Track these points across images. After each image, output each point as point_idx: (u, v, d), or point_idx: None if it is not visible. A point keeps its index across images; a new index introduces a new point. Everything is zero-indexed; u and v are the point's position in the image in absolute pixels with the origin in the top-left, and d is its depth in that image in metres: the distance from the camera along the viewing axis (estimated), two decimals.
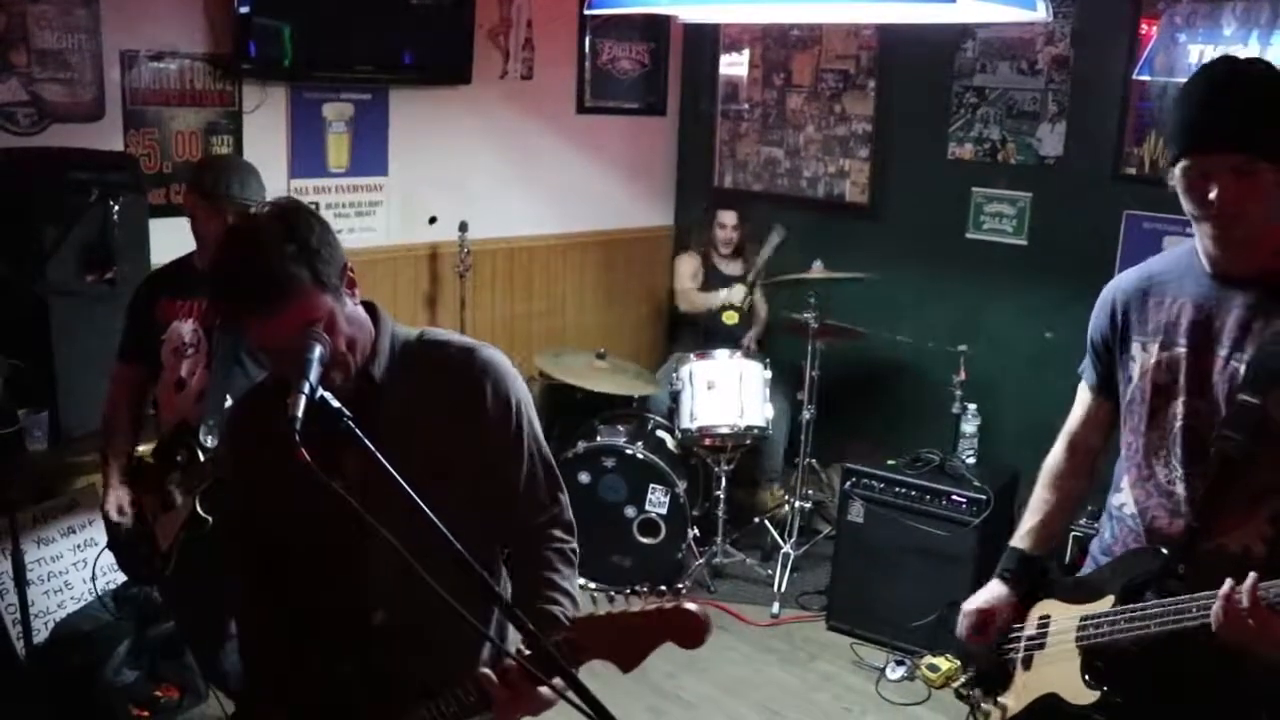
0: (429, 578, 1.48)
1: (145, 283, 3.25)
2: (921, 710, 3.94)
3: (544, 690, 1.72)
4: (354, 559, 1.87)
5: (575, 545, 2.06)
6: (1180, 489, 2.10)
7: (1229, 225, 1.95)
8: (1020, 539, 2.40)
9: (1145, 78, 4.53)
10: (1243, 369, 2.00)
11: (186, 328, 3.06)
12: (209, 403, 2.98)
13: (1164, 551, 2.09)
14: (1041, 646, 2.28)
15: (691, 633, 1.68)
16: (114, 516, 3.07)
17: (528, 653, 1.65)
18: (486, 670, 1.78)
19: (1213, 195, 1.91)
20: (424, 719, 1.84)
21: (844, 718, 3.89)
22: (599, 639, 1.71)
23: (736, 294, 5.40)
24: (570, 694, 1.53)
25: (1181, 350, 2.09)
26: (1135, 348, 2.18)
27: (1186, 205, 1.99)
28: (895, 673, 4.13)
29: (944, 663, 4.03)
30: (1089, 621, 2.15)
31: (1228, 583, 1.86)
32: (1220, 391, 2.04)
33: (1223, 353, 2.04)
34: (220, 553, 2.12)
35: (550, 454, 2.06)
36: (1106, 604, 2.14)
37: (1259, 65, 1.97)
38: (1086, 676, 2.14)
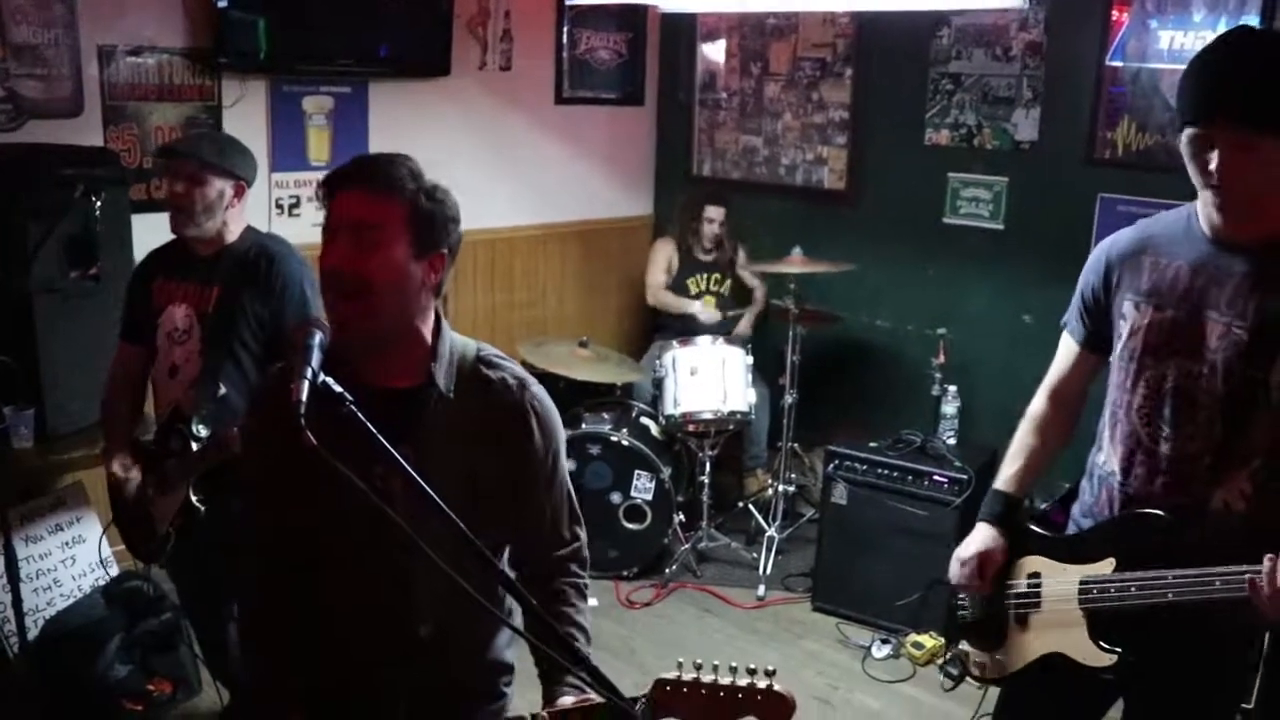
0: (469, 587, 1.52)
1: (143, 262, 3.24)
2: (907, 686, 4.00)
3: None
4: (400, 572, 1.88)
5: (587, 578, 2.11)
6: (1164, 448, 2.14)
7: (1231, 194, 1.99)
8: (1004, 483, 2.43)
9: (1118, 63, 4.58)
10: (1245, 336, 2.03)
11: (180, 312, 3.06)
12: (200, 391, 2.98)
13: (1163, 515, 2.12)
14: (1036, 605, 2.30)
15: (780, 715, 1.69)
16: (119, 473, 3.06)
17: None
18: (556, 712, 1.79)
19: (1213, 165, 1.95)
20: None
21: (831, 695, 3.94)
22: (681, 701, 1.71)
23: (711, 313, 5.43)
24: None
25: (1176, 312, 2.12)
26: (1127, 306, 2.20)
27: (1191, 172, 2.03)
28: (881, 651, 4.18)
29: (929, 640, 4.09)
30: (1092, 584, 2.18)
31: (1266, 560, 1.90)
32: (1218, 357, 2.07)
33: (1222, 318, 2.06)
34: (223, 547, 2.11)
35: (572, 491, 2.11)
36: (1107, 567, 2.17)
37: (1273, 38, 1.99)
38: (1100, 640, 2.17)
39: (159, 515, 2.98)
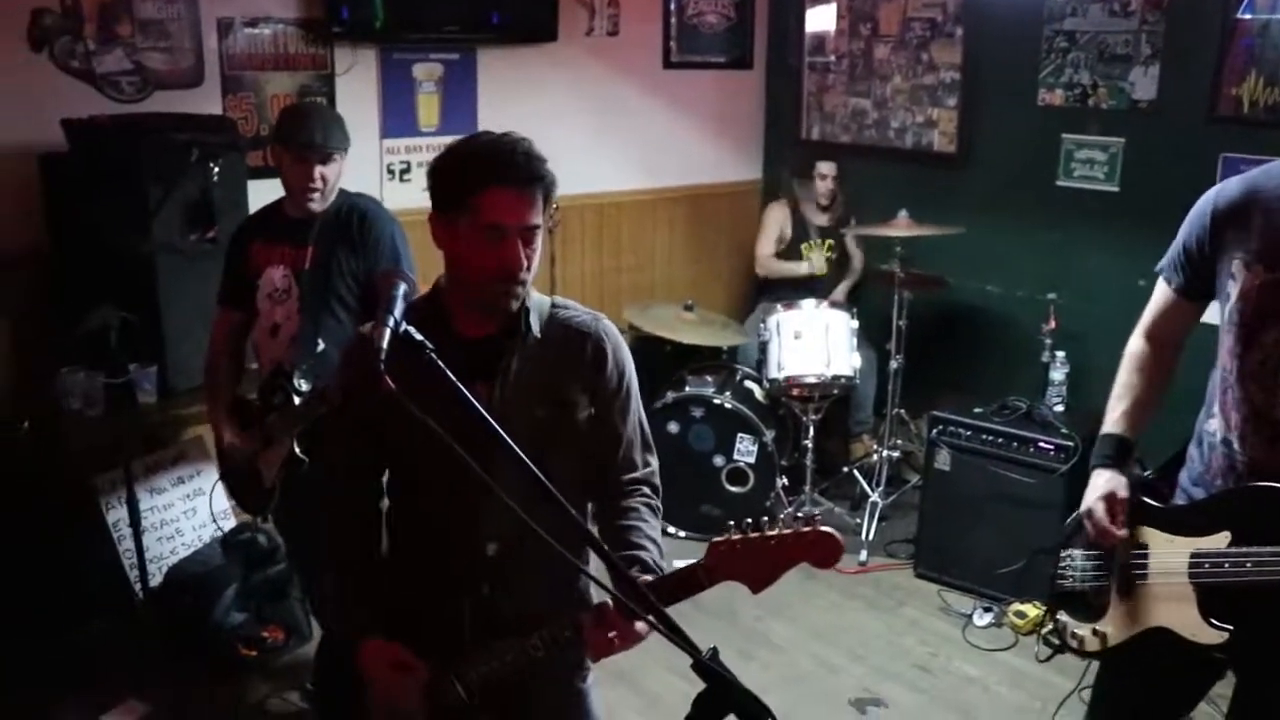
0: (522, 512, 1.59)
1: (240, 228, 3.37)
2: (1008, 655, 3.95)
3: (639, 626, 1.85)
4: (472, 490, 1.96)
5: (659, 502, 2.19)
6: None
7: None
8: (1112, 424, 2.34)
9: (1248, 16, 4.40)
10: None
11: (278, 274, 3.17)
12: (301, 347, 3.09)
13: (1278, 489, 2.04)
14: (1143, 577, 2.23)
15: (828, 553, 1.82)
16: (226, 437, 3.21)
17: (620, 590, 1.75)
18: (588, 613, 1.91)
19: None
20: (522, 649, 1.96)
21: (930, 662, 3.92)
22: (732, 562, 1.83)
23: (818, 263, 5.42)
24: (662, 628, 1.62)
25: None
26: (1236, 265, 2.11)
27: None
28: (982, 619, 4.14)
29: (1031, 609, 4.03)
30: (1204, 558, 2.11)
31: None
32: None
33: None
34: (324, 485, 2.21)
35: (646, 421, 2.22)
36: (1221, 541, 2.10)
37: None
38: (1211, 617, 2.10)
39: (265, 469, 3.11)
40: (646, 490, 2.16)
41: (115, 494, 3.90)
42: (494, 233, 1.91)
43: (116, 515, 3.88)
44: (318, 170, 3.07)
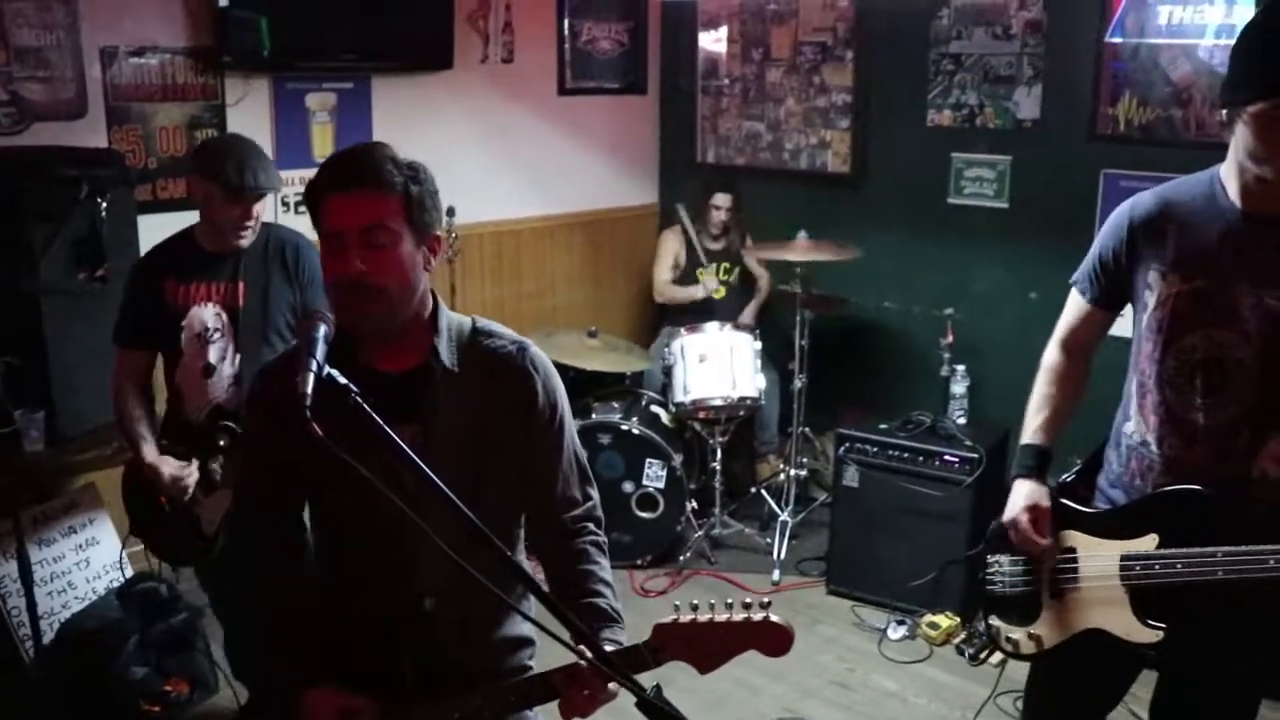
0: (471, 569, 1.54)
1: (145, 263, 3.24)
2: (924, 667, 4.00)
3: (611, 688, 1.78)
4: (404, 544, 1.90)
5: (605, 539, 2.14)
6: (1199, 418, 2.14)
7: None
8: (1031, 435, 2.40)
9: (1117, 39, 4.57)
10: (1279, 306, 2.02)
11: (208, 312, 3.07)
12: (243, 388, 3.00)
13: (1206, 491, 2.11)
14: (1074, 580, 2.28)
15: (779, 643, 1.76)
16: (171, 483, 3.02)
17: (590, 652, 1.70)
18: (562, 668, 1.82)
19: None
20: (469, 709, 1.89)
21: (848, 678, 3.94)
22: (678, 644, 1.77)
23: (711, 283, 5.45)
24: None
25: (1206, 283, 2.10)
26: (1153, 275, 2.18)
27: (1256, 148, 1.96)
28: (896, 632, 4.18)
29: (944, 620, 4.09)
30: (1135, 560, 2.17)
31: None
32: (1250, 326, 2.06)
33: (1255, 289, 2.05)
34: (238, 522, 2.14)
35: (582, 451, 2.14)
36: (1149, 543, 2.16)
37: None
38: (1146, 617, 2.16)
39: (207, 516, 2.99)
40: (592, 527, 2.10)
41: (2, 548, 3.71)
42: (335, 241, 1.85)
43: (3, 570, 3.70)
44: (255, 209, 2.99)
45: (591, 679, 1.76)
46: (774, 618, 1.76)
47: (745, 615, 1.74)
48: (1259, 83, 1.92)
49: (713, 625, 1.75)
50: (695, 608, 1.75)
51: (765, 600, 1.78)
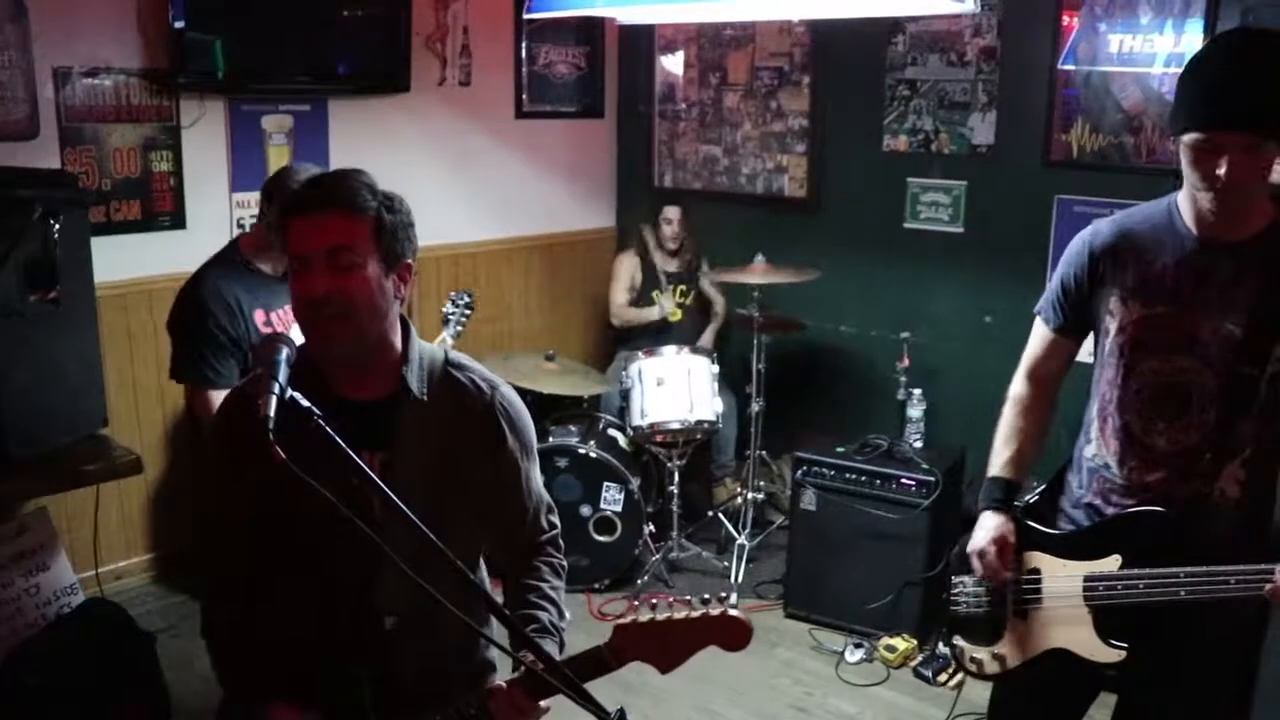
0: (425, 583, 1.55)
1: (218, 297, 3.28)
2: (881, 690, 4.01)
3: (543, 703, 1.82)
4: (365, 563, 1.90)
5: (564, 561, 2.19)
6: (1160, 442, 2.17)
7: (1231, 197, 2.02)
8: (1000, 468, 2.43)
9: (1069, 66, 4.65)
10: (1240, 333, 2.07)
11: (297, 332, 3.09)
12: None
13: (1168, 513, 2.15)
14: (1037, 601, 2.31)
15: (738, 637, 1.77)
16: None
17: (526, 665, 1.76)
18: (499, 684, 1.87)
19: (1222, 170, 1.97)
20: None
21: (806, 701, 3.95)
22: (639, 643, 1.79)
23: (668, 305, 5.47)
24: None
25: (1166, 309, 2.15)
26: (1114, 302, 2.22)
27: (1192, 175, 2.04)
28: (854, 655, 4.19)
29: (901, 643, 4.11)
30: (1098, 581, 2.20)
31: None
32: (1210, 352, 2.10)
33: (1214, 315, 2.10)
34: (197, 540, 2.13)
35: (544, 485, 2.19)
36: (1113, 564, 2.19)
37: (1273, 40, 2.00)
38: (1109, 637, 2.19)
39: None
40: (551, 549, 2.14)
41: None
42: (301, 263, 1.86)
43: None
44: None
45: (521, 697, 1.81)
46: (732, 611, 1.78)
47: (704, 610, 1.76)
48: (1185, 114, 2.02)
49: (672, 623, 1.77)
50: (654, 606, 1.77)
51: (723, 595, 1.81)
